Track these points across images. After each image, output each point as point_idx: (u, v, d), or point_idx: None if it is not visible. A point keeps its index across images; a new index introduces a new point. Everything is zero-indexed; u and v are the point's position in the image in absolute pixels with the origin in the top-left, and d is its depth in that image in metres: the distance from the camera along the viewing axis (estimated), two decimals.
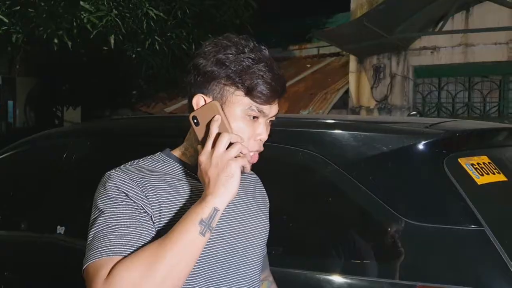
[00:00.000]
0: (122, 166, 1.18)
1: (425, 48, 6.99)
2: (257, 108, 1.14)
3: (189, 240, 1.01)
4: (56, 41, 6.75)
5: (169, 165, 1.21)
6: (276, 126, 1.96)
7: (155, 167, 1.19)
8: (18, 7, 6.68)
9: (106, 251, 1.03)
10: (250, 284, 1.24)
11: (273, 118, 1.20)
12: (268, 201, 1.40)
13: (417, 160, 1.70)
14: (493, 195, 1.74)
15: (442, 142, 1.72)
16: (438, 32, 6.63)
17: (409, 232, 1.58)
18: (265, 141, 1.21)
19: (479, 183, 1.67)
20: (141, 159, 1.22)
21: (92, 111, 9.99)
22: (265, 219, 1.33)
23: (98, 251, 1.03)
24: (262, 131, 1.17)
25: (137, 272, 0.98)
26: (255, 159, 1.18)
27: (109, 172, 1.16)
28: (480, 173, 1.70)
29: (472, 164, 1.71)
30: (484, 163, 1.75)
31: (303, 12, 10.34)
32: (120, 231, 1.05)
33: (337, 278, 1.66)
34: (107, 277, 0.98)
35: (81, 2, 6.49)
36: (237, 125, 1.14)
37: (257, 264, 1.28)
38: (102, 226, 1.07)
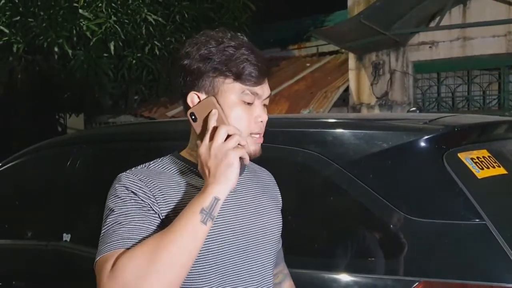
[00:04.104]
0: (133, 169, 1.22)
1: (424, 43, 6.99)
2: (250, 91, 1.18)
3: (190, 228, 1.03)
4: (56, 49, 6.79)
5: (178, 166, 1.24)
6: (277, 127, 1.98)
7: (164, 169, 1.23)
8: (18, 17, 6.73)
9: (114, 245, 1.06)
10: (261, 279, 1.25)
11: (267, 101, 1.24)
12: (281, 198, 1.42)
13: (417, 156, 1.71)
14: (493, 188, 1.74)
15: (441, 137, 1.72)
16: (436, 27, 6.63)
17: (411, 228, 1.59)
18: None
19: (479, 177, 1.67)
20: (152, 162, 1.26)
21: (94, 117, 10.01)
22: (277, 216, 1.35)
23: (106, 246, 1.06)
24: (260, 113, 1.20)
25: (140, 262, 0.99)
26: (260, 141, 1.22)
27: (119, 174, 1.20)
28: (480, 167, 1.70)
29: (472, 159, 1.72)
30: (483, 157, 1.76)
31: (300, 11, 10.36)
32: (128, 226, 1.09)
33: (341, 276, 1.67)
34: (111, 269, 1.01)
35: (80, 10, 6.53)
36: (235, 112, 1.17)
37: (270, 260, 1.29)
38: (112, 223, 1.10)
